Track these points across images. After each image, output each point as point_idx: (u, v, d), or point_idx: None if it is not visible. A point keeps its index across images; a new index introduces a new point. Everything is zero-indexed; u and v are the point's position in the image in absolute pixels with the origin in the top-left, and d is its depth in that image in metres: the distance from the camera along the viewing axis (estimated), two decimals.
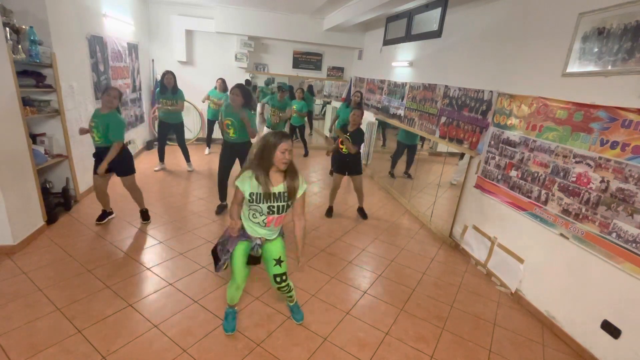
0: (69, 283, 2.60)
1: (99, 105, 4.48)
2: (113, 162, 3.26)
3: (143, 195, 3.67)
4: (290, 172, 1.96)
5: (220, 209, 4.09)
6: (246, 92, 3.61)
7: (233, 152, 3.84)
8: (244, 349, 2.15)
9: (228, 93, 3.63)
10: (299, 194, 2.01)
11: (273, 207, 1.95)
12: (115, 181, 4.70)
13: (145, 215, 3.67)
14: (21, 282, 2.57)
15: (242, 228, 2.04)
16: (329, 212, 4.32)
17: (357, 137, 4.01)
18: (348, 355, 2.19)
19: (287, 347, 2.20)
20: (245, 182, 1.92)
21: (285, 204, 1.98)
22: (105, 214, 3.60)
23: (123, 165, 3.40)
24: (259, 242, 2.05)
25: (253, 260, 2.09)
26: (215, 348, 2.14)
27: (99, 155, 3.29)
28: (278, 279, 2.13)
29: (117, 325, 2.24)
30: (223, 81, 6.19)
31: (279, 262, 2.11)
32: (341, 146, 4.03)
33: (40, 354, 1.97)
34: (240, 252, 2.04)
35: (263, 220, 1.99)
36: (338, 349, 2.23)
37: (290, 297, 2.34)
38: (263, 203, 1.92)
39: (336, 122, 6.12)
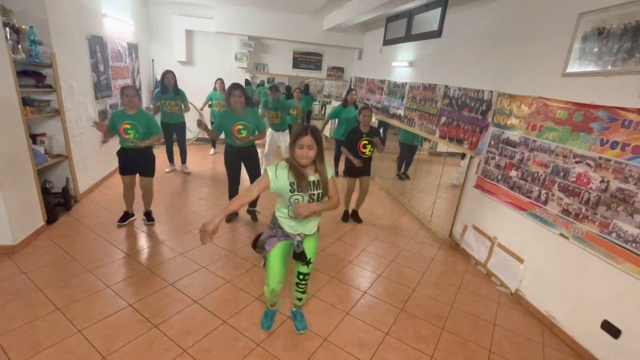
0: (69, 283, 2.60)
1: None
2: (143, 162, 3.41)
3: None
4: (320, 166, 1.93)
5: (232, 217, 3.93)
6: (245, 91, 3.56)
7: (240, 156, 3.70)
8: (244, 349, 2.15)
9: (225, 95, 3.56)
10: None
11: (313, 194, 1.93)
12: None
13: (150, 217, 3.69)
14: (21, 282, 2.57)
15: (280, 227, 2.02)
16: (346, 217, 4.24)
17: (376, 134, 3.94)
18: (348, 355, 2.19)
19: (287, 347, 2.20)
20: (280, 172, 1.88)
21: (320, 192, 1.95)
22: (127, 215, 3.62)
23: (151, 165, 3.49)
24: (299, 238, 2.02)
25: (299, 256, 2.06)
26: (215, 348, 2.14)
27: (129, 156, 3.34)
28: (301, 277, 2.18)
29: (117, 325, 2.24)
30: (222, 81, 6.18)
31: (308, 262, 2.11)
32: (363, 150, 3.86)
33: (40, 354, 1.97)
34: (277, 252, 2.02)
35: None
36: (338, 349, 2.23)
37: (300, 298, 2.31)
38: (305, 192, 1.90)
39: (337, 125, 5.66)
